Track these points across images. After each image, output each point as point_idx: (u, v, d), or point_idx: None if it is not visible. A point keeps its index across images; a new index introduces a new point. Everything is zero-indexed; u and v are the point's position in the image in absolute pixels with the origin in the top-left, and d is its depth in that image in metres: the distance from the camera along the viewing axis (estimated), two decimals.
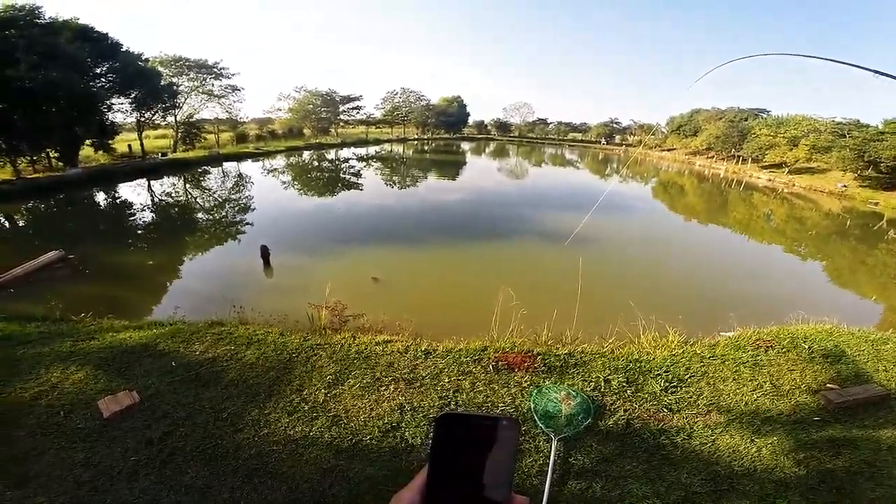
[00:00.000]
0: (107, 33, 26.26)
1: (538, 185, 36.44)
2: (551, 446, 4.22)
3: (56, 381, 5.02)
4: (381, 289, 10.89)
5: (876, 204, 31.95)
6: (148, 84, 29.48)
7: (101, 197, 22.44)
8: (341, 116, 64.40)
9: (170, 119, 36.10)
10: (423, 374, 5.53)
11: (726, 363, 6.14)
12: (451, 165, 47.43)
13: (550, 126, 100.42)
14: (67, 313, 7.24)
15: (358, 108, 65.76)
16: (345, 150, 55.21)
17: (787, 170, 45.21)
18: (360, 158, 47.87)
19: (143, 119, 31.45)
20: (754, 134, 51.17)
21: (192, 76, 38.56)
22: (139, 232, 16.56)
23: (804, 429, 4.78)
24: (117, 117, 29.14)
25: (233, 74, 41.80)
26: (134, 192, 23.57)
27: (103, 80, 26.70)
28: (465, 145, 77.61)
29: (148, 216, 18.66)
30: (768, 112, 61.46)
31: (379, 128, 77.14)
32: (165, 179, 27.89)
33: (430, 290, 11.26)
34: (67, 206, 20.31)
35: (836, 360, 6.25)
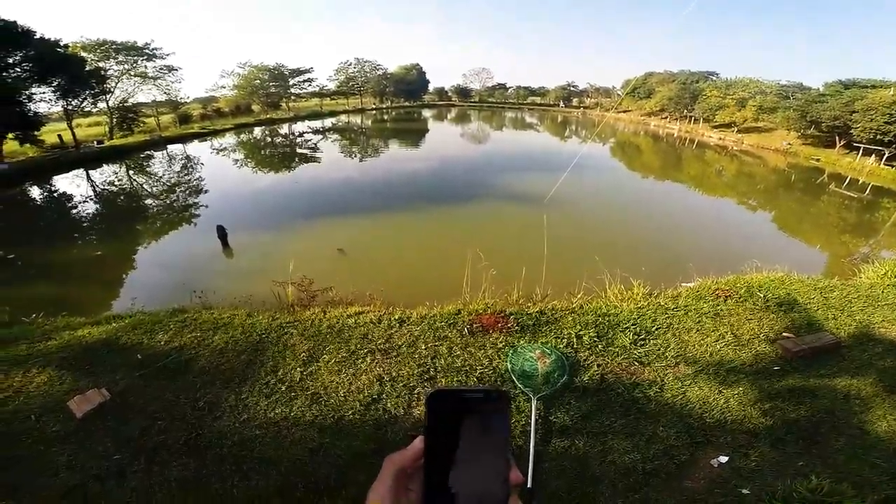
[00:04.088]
0: (15, 21, 23.69)
1: (500, 149, 36.45)
2: (531, 406, 4.28)
3: (19, 385, 4.68)
4: (347, 261, 10.69)
5: (818, 160, 33.98)
6: (71, 71, 27.25)
7: (35, 192, 20.70)
8: (292, 90, 61.48)
9: (101, 105, 33.65)
10: (399, 343, 5.49)
11: (689, 314, 6.40)
12: (412, 133, 46.62)
13: (510, 91, 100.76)
14: (17, 316, 6.71)
15: (309, 80, 62.88)
16: (299, 123, 53.11)
17: (736, 129, 47.12)
18: (316, 131, 46.26)
19: (70, 107, 29.15)
20: (705, 95, 52.86)
21: (120, 59, 35.82)
22: (84, 225, 15.41)
23: (766, 378, 5.03)
24: (41, 107, 27.00)
25: (167, 54, 39.24)
26: (72, 185, 21.76)
27: (18, 69, 24.37)
28: (427, 112, 76.32)
29: (91, 208, 17.33)
30: (717, 75, 63.61)
31: (334, 99, 74.27)
32: (106, 168, 25.95)
33: (399, 258, 11.14)
34: None
35: (790, 309, 6.61)
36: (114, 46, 35.07)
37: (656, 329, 6.00)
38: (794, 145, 38.91)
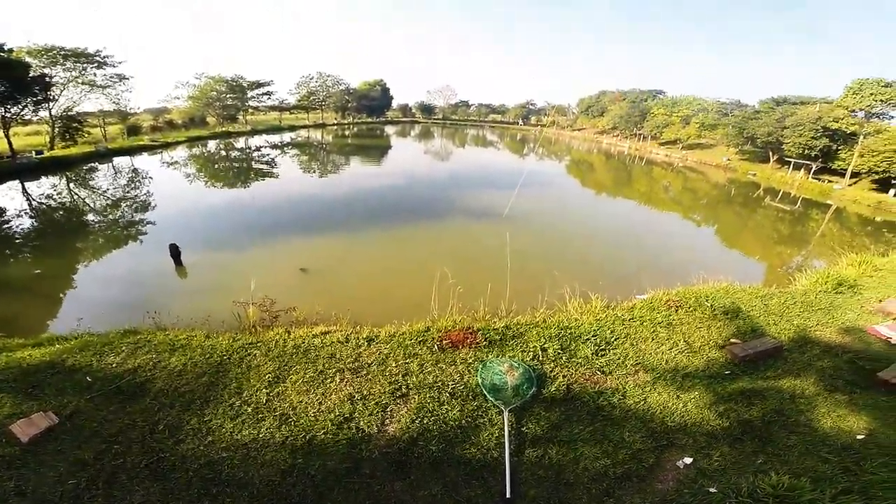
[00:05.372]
0: None
1: (463, 166, 37.11)
2: (503, 418, 4.38)
3: None
4: (311, 280, 10.49)
5: (754, 175, 37.48)
6: (13, 76, 25.48)
7: None
8: (250, 103, 60.00)
9: (43, 113, 31.69)
10: (369, 362, 5.45)
11: (644, 324, 6.77)
12: (375, 150, 46.69)
13: (472, 108, 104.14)
14: None
15: (269, 93, 61.59)
16: (256, 137, 51.87)
17: (681, 146, 51.00)
18: (275, 146, 45.26)
19: (8, 115, 27.32)
20: (652, 114, 57.06)
21: (68, 66, 33.89)
22: (17, 241, 14.28)
23: (719, 382, 5.38)
24: None
25: (118, 63, 37.52)
26: (5, 197, 20.18)
27: None
28: (390, 129, 76.57)
29: (27, 223, 16.10)
30: (664, 93, 68.19)
31: (294, 113, 73.14)
32: (44, 180, 24.23)
33: (364, 277, 11.03)
34: None
35: (735, 316, 7.12)
36: (62, 52, 33.14)
37: (615, 339, 6.29)
38: (733, 161, 42.68)
